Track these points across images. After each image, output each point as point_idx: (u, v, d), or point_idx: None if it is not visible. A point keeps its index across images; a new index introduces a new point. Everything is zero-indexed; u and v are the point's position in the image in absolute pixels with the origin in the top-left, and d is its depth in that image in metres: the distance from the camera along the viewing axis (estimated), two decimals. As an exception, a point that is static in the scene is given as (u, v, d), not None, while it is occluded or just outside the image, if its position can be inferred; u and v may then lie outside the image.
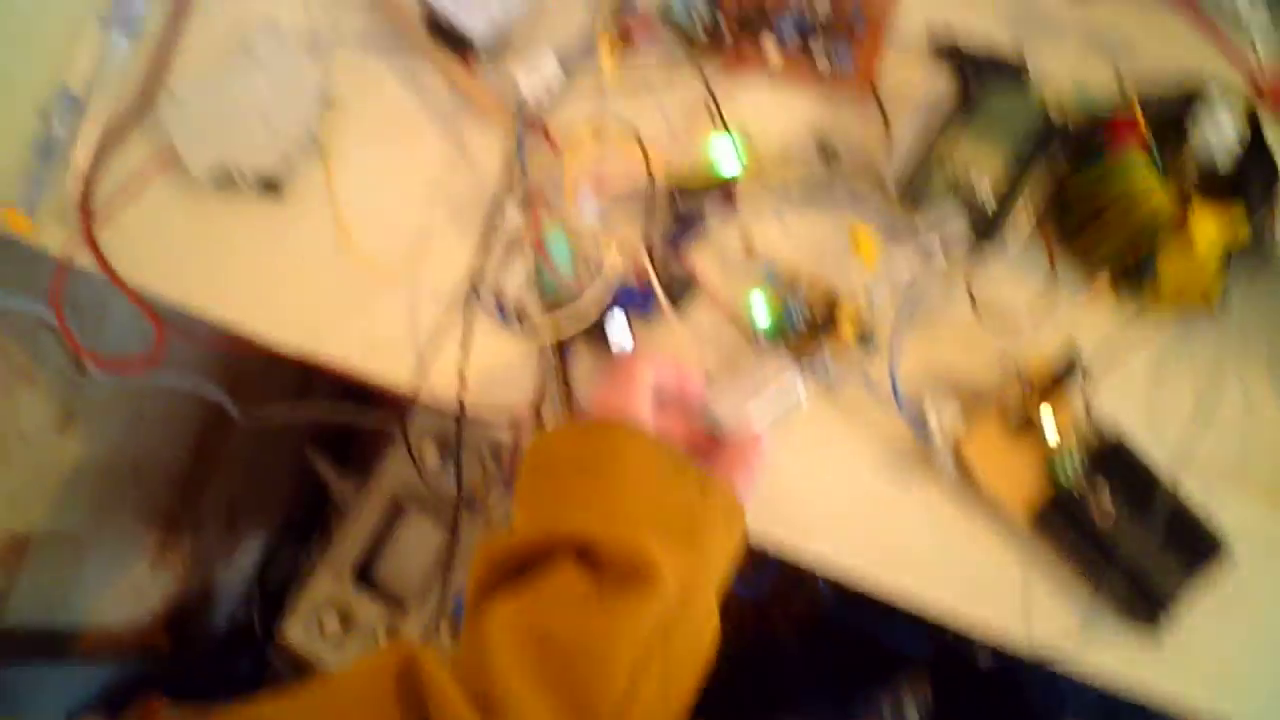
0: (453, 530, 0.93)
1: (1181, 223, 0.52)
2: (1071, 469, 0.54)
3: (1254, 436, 0.56)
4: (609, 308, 0.58)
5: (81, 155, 0.63)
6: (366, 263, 0.61)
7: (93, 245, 0.62)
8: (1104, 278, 0.56)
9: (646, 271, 0.58)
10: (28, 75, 0.65)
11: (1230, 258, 0.54)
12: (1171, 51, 0.58)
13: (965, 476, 0.55)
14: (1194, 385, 0.56)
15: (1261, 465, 0.55)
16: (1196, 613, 0.53)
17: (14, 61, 0.66)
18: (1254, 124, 0.53)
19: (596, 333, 0.59)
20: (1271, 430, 0.56)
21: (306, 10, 0.65)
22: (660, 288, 0.57)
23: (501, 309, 0.60)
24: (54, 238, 0.63)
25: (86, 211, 0.63)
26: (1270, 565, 0.54)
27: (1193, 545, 0.53)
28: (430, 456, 0.90)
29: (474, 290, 0.60)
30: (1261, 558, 0.54)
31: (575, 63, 0.62)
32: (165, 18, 0.65)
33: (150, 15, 0.66)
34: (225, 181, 0.62)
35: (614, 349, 0.58)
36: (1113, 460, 0.54)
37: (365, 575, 0.99)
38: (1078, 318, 0.57)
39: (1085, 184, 0.55)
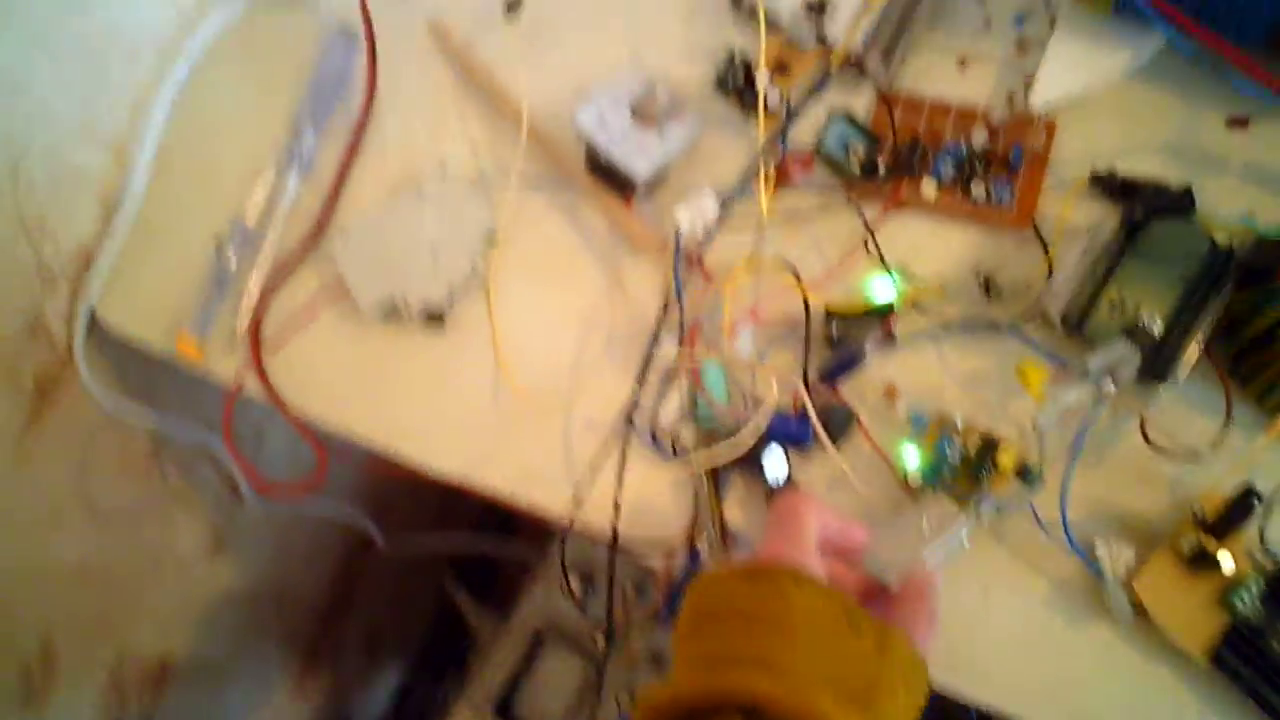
0: (600, 666, 0.91)
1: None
2: (1250, 600, 0.51)
3: None
4: (766, 441, 0.58)
5: (253, 286, 0.67)
6: (524, 393, 0.62)
7: (261, 373, 0.65)
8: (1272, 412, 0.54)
9: (804, 405, 0.57)
10: (207, 207, 0.69)
11: None
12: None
13: (1140, 614, 0.52)
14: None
15: None
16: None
17: (195, 194, 0.70)
18: None
19: (752, 465, 0.58)
20: None
21: (474, 153, 0.69)
22: (818, 422, 0.57)
23: (656, 439, 0.60)
24: (222, 365, 0.66)
25: (256, 340, 0.65)
26: None
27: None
28: (573, 588, 0.90)
29: (629, 420, 0.60)
30: None
31: (732, 199, 0.63)
32: (338, 157, 0.69)
33: (323, 155, 0.70)
34: (391, 313, 0.64)
35: (771, 483, 0.58)
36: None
37: (506, 710, 0.97)
38: (1254, 449, 0.54)
39: (1256, 307, 0.53)
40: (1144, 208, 0.56)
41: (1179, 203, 0.57)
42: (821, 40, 0.65)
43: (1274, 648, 0.50)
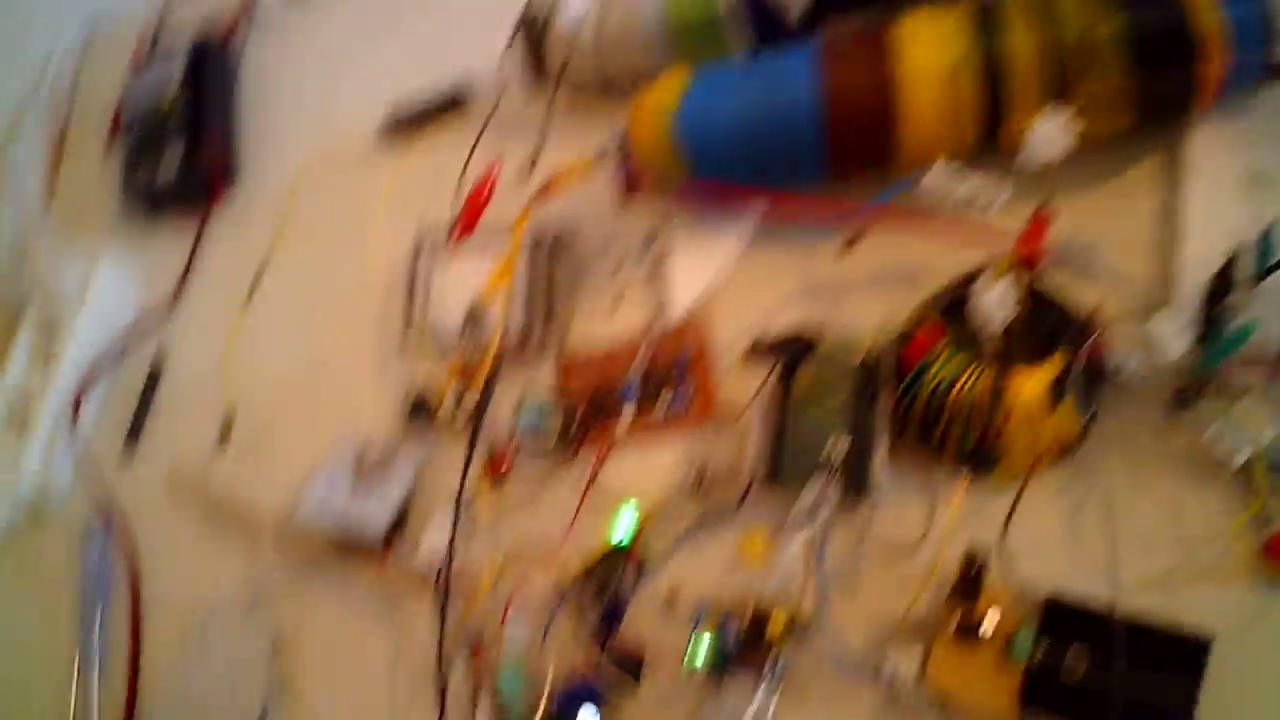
0: None
1: (1005, 390, 0.55)
2: (1027, 645, 0.53)
3: (1178, 528, 0.55)
4: (574, 709, 0.60)
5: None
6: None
7: None
8: (966, 471, 0.58)
9: (593, 664, 0.60)
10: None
11: (1072, 398, 0.56)
12: (943, 263, 0.63)
13: (942, 702, 0.54)
14: (1096, 517, 0.56)
15: (1197, 553, 0.54)
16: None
17: None
18: (1025, 282, 0.58)
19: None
20: (1194, 518, 0.55)
21: (244, 576, 0.73)
22: (612, 673, 0.59)
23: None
24: None
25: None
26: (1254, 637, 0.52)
27: (1176, 655, 0.51)
28: None
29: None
30: (1245, 633, 0.52)
31: (465, 506, 0.67)
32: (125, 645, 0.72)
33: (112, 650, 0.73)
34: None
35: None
36: (1058, 619, 0.53)
37: None
38: (965, 514, 0.58)
39: (911, 390, 0.58)
40: (784, 358, 0.63)
41: (806, 342, 0.63)
42: (487, 341, 0.72)
43: (1070, 677, 0.52)
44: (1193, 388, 0.56)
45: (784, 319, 0.67)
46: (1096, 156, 0.64)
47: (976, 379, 0.55)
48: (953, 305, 0.60)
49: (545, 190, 0.70)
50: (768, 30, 0.72)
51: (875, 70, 0.63)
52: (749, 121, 0.66)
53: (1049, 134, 0.58)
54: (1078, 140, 0.60)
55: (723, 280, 0.70)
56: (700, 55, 0.73)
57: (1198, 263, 0.59)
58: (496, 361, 0.70)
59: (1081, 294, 0.59)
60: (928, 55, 0.62)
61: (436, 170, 0.79)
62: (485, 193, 0.75)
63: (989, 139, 0.63)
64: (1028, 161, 0.58)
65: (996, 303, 0.56)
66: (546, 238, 0.74)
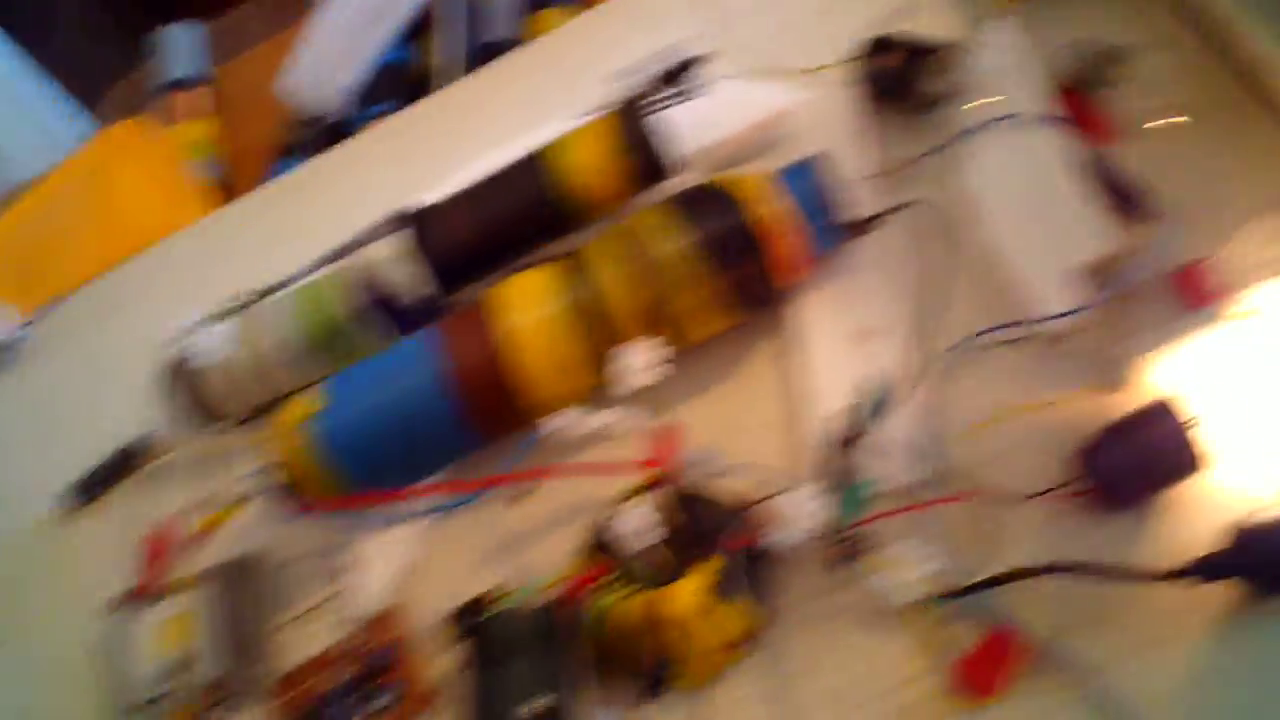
0: None
1: (658, 605, 0.56)
2: None
3: (872, 683, 0.57)
4: None
5: None
6: None
7: None
8: (656, 690, 0.58)
9: None
10: None
11: (741, 590, 0.57)
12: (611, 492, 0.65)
13: None
14: (796, 695, 0.57)
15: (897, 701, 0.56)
16: None
17: None
18: (672, 495, 0.60)
19: None
20: (884, 669, 0.57)
21: None
22: None
23: None
24: None
25: None
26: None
27: None
28: None
29: None
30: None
31: None
32: None
33: None
34: None
35: None
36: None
37: None
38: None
39: (586, 635, 0.58)
40: (467, 627, 0.62)
41: (483, 604, 0.63)
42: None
43: None
44: (843, 548, 0.58)
45: (476, 585, 0.67)
46: (720, 351, 0.69)
47: (630, 603, 0.56)
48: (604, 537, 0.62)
49: (200, 534, 0.69)
50: (398, 321, 0.75)
51: (483, 339, 0.66)
52: (386, 418, 0.67)
53: (636, 364, 0.62)
54: (695, 345, 0.66)
55: (410, 566, 0.70)
56: (345, 359, 0.75)
57: (823, 425, 0.63)
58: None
59: (733, 487, 0.61)
60: (525, 314, 0.65)
61: (121, 531, 0.77)
62: (162, 548, 0.73)
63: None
64: (624, 391, 0.62)
65: (636, 526, 0.58)
66: (226, 571, 0.72)
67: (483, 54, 1.19)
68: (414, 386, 0.67)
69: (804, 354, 0.67)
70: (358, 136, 0.99)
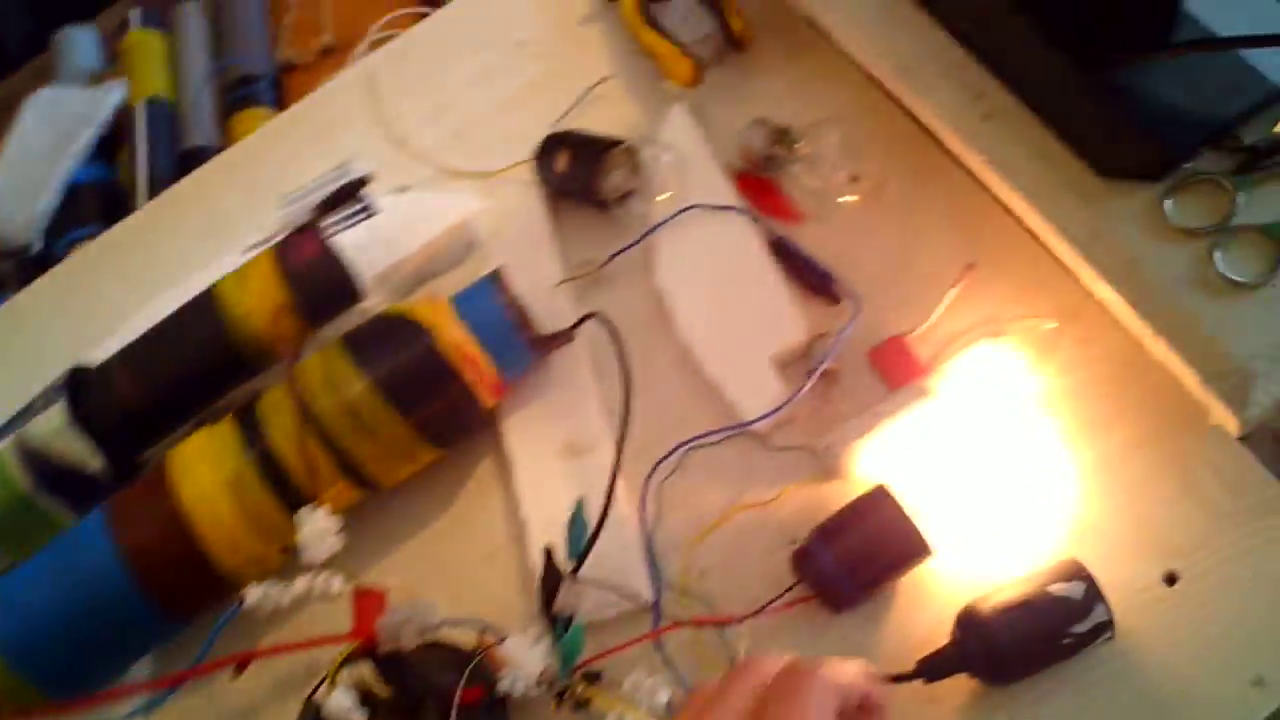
0: None
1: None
2: None
3: None
4: None
5: None
6: None
7: None
8: None
9: None
10: None
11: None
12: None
13: None
14: None
15: None
16: None
17: None
18: (377, 662, 0.55)
19: None
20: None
21: None
22: None
23: None
24: None
25: None
26: None
27: None
28: None
29: None
30: None
31: None
32: None
33: None
34: None
35: None
36: None
37: None
38: None
39: None
40: None
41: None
42: None
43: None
44: (572, 694, 0.55)
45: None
46: (427, 487, 0.65)
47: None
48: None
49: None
50: (74, 498, 0.67)
51: (160, 514, 0.60)
52: (66, 617, 0.60)
53: (314, 535, 0.56)
54: (397, 486, 0.61)
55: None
56: (25, 539, 0.67)
57: (539, 560, 0.59)
58: None
59: (454, 639, 0.57)
60: (199, 483, 0.59)
61: None
62: None
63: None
64: (312, 561, 0.56)
65: (341, 707, 0.53)
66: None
67: (184, 163, 1.12)
68: (93, 575, 0.60)
69: (514, 479, 0.63)
70: (51, 271, 0.90)
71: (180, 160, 1.12)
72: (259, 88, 1.16)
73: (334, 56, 1.20)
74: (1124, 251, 0.54)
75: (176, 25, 1.23)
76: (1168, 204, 0.54)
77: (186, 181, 0.88)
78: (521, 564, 0.62)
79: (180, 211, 0.86)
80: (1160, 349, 0.53)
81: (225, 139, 1.13)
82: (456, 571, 0.63)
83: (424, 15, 0.94)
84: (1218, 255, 0.52)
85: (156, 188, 1.07)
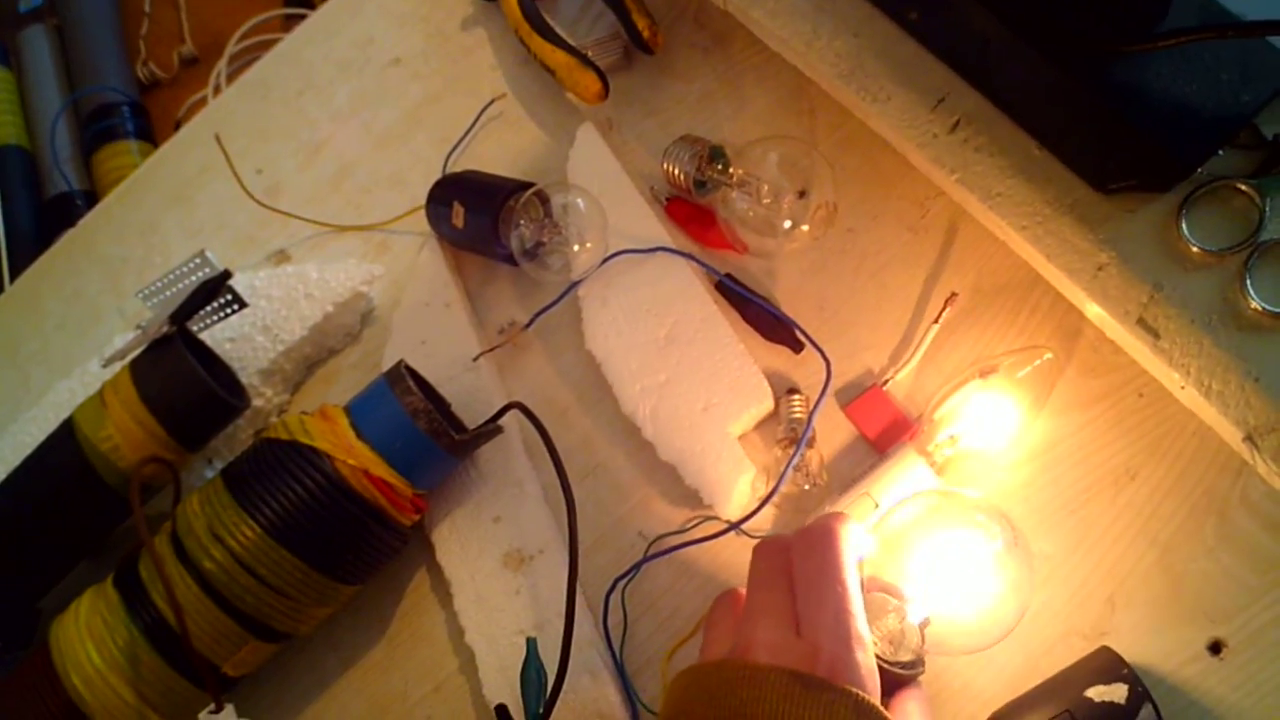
0: None
1: None
2: None
3: None
4: None
5: None
6: None
7: None
8: None
9: None
10: None
11: None
12: None
13: None
14: None
15: None
16: None
17: None
18: None
19: None
20: None
21: None
22: None
23: None
24: None
25: None
26: None
27: None
28: None
29: None
30: None
31: None
32: None
33: None
34: None
35: None
36: None
37: None
38: None
39: None
40: None
41: None
42: None
43: None
44: None
45: None
46: (354, 626, 0.56)
47: None
48: None
49: None
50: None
51: (50, 700, 0.51)
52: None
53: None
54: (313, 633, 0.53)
55: None
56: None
57: (497, 692, 0.51)
58: None
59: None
60: (93, 660, 0.51)
61: None
62: None
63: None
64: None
65: None
66: None
67: (50, 211, 1.00)
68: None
69: (455, 600, 0.54)
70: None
71: (46, 209, 1.00)
72: (120, 117, 1.03)
73: (197, 68, 1.08)
74: (1136, 284, 0.45)
75: (20, 55, 1.09)
76: (1184, 221, 0.45)
77: (42, 260, 0.77)
78: (475, 694, 0.54)
79: (37, 298, 0.75)
80: (1192, 399, 0.45)
81: (90, 180, 1.01)
82: (402, 711, 0.55)
83: (294, 16, 0.82)
84: (1250, 281, 0.43)
85: (17, 243, 0.96)
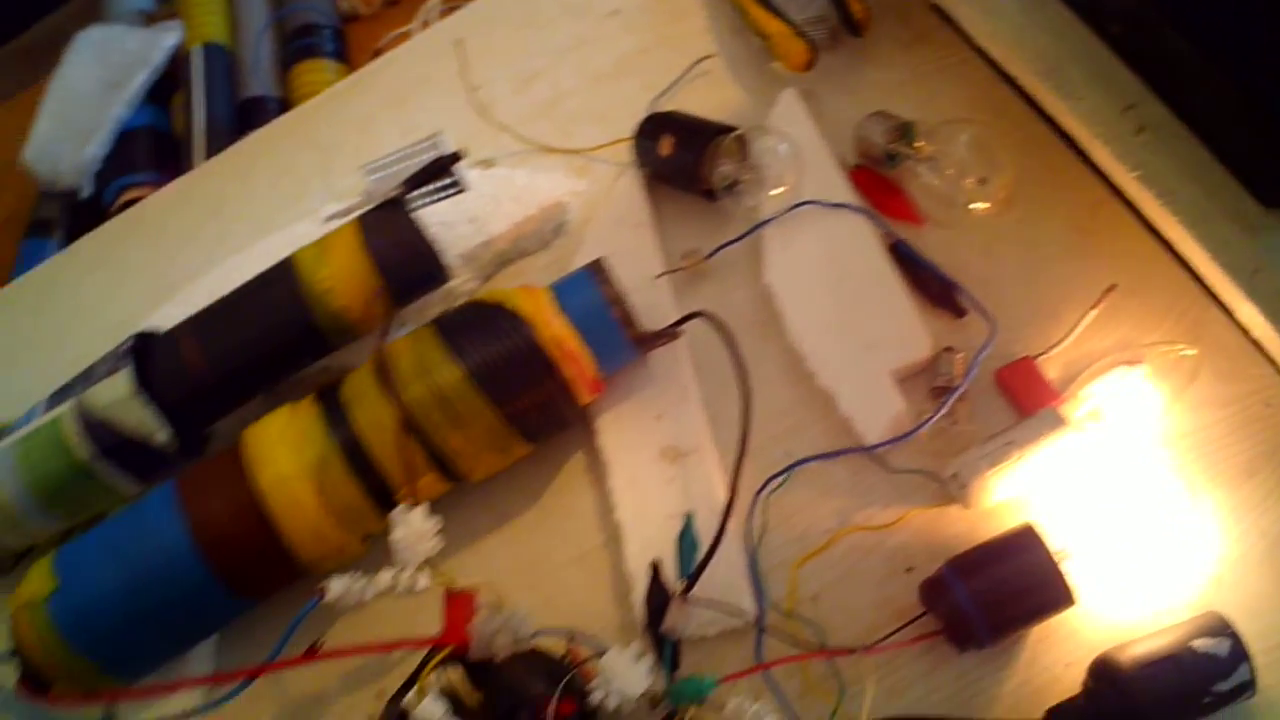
0: None
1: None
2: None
3: None
4: None
5: None
6: None
7: None
8: None
9: None
10: None
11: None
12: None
13: None
14: None
15: None
16: None
17: None
18: (468, 666, 0.52)
19: None
20: None
21: None
22: None
23: None
24: None
25: None
26: None
27: None
28: None
29: None
30: None
31: None
32: None
33: None
34: None
35: None
36: None
37: None
38: None
39: None
40: None
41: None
42: None
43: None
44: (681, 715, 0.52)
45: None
46: (519, 482, 0.61)
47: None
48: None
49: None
50: (139, 469, 0.64)
51: (236, 495, 0.57)
52: (130, 594, 0.57)
53: (412, 536, 0.53)
54: (486, 480, 0.58)
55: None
56: (83, 507, 0.64)
57: (640, 566, 0.56)
58: None
59: (545, 648, 0.53)
60: (282, 463, 0.56)
61: None
62: None
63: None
64: (407, 564, 0.53)
65: (431, 715, 0.50)
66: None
67: (242, 113, 1.08)
68: (160, 553, 0.57)
69: (610, 480, 0.59)
70: (107, 225, 0.86)
71: (239, 110, 1.08)
72: (321, 38, 1.11)
73: (398, 9, 1.15)
74: (1290, 289, 0.50)
75: (232, -33, 1.18)
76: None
77: (254, 137, 0.85)
78: (615, 569, 0.59)
79: (247, 169, 0.82)
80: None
81: (285, 90, 1.09)
82: (545, 572, 0.60)
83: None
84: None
85: (214, 138, 1.03)
